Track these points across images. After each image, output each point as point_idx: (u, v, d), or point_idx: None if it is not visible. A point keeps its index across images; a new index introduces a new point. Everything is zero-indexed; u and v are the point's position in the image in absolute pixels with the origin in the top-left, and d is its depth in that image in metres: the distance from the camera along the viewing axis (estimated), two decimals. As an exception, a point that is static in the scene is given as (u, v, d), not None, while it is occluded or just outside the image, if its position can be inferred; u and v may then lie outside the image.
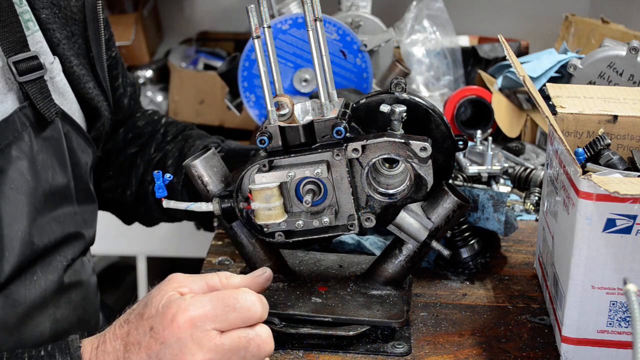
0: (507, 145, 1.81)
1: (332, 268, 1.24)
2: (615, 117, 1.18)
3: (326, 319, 1.10)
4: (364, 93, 1.66)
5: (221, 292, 0.95)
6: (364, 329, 1.09)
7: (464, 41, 2.31)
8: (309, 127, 1.07)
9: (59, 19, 1.21)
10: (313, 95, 1.61)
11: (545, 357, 1.10)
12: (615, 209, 0.95)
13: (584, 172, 0.96)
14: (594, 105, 1.20)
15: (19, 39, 1.10)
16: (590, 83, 1.66)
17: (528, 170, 1.60)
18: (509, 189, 1.62)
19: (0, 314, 1.09)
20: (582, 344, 1.04)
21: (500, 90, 1.90)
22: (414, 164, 1.08)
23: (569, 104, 1.20)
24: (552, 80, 1.73)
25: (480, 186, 1.61)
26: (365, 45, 1.68)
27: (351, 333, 1.09)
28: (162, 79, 2.77)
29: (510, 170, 1.64)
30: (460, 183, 1.60)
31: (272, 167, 1.07)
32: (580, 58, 1.69)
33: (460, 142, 1.13)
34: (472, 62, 2.19)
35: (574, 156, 0.99)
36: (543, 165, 1.72)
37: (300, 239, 1.13)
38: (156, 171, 1.09)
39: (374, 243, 1.34)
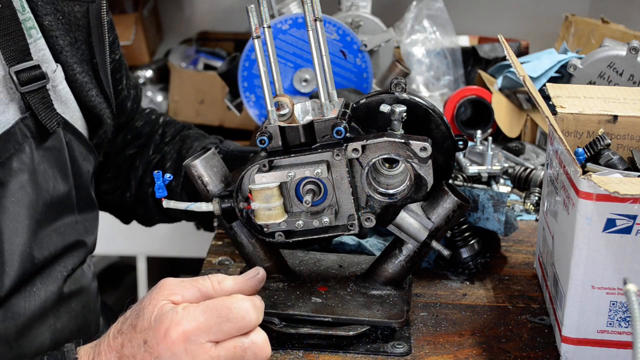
0: (507, 145, 1.81)
1: (332, 268, 1.24)
2: (615, 117, 1.18)
3: (326, 319, 1.10)
4: (364, 93, 1.66)
5: (214, 301, 0.94)
6: (364, 329, 1.09)
7: (464, 41, 2.31)
8: (309, 127, 1.07)
9: (63, 25, 1.19)
10: (313, 95, 1.61)
11: (545, 357, 1.10)
12: (615, 209, 0.95)
13: (584, 172, 0.96)
14: (594, 105, 1.20)
15: (21, 47, 1.09)
16: (590, 83, 1.66)
17: (528, 170, 1.60)
18: (509, 189, 1.62)
19: (0, 327, 1.08)
20: (582, 344, 1.04)
21: (500, 90, 1.90)
22: (414, 164, 1.08)
23: (569, 104, 1.20)
24: (552, 80, 1.73)
25: (480, 186, 1.61)
26: (365, 45, 1.68)
27: (351, 333, 1.09)
28: (162, 79, 2.77)
29: (510, 170, 1.64)
30: (460, 183, 1.60)
31: (272, 167, 1.07)
32: (580, 58, 1.69)
33: (460, 142, 1.13)
34: (472, 62, 2.19)
35: (574, 156, 0.99)
36: (543, 165, 1.72)
37: (300, 239, 1.13)
38: (156, 171, 1.09)
39: (374, 245, 1.34)
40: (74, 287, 1.21)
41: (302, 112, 1.13)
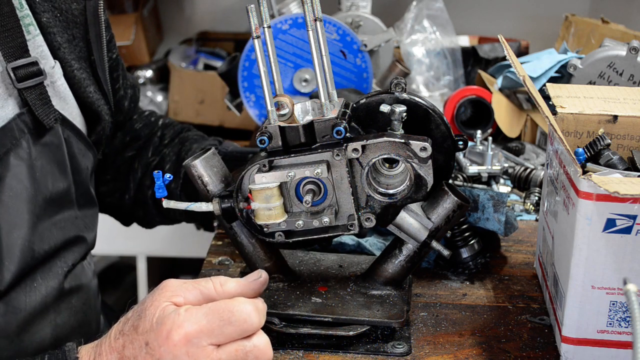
0: (507, 145, 1.81)
1: (332, 268, 1.24)
2: (615, 117, 1.18)
3: (326, 319, 1.10)
4: (364, 93, 1.66)
5: (216, 304, 0.94)
6: (364, 329, 1.09)
7: (464, 41, 2.31)
8: (309, 127, 1.07)
9: (60, 22, 1.20)
10: (313, 95, 1.61)
11: (545, 357, 1.10)
12: (615, 209, 0.95)
13: (584, 172, 0.96)
14: (594, 105, 1.20)
15: (19, 44, 1.09)
16: (590, 83, 1.66)
17: (528, 170, 1.60)
18: (509, 189, 1.62)
19: (1, 322, 1.08)
20: (582, 344, 1.04)
21: (500, 90, 1.90)
22: (414, 164, 1.08)
23: (569, 104, 1.20)
24: (552, 80, 1.73)
25: (480, 186, 1.61)
26: (365, 45, 1.68)
27: (351, 333, 1.09)
28: (162, 79, 2.77)
29: (510, 170, 1.64)
30: (460, 183, 1.60)
31: (272, 167, 1.07)
32: (580, 58, 1.69)
33: (460, 142, 1.13)
34: (472, 62, 2.19)
35: (574, 156, 0.99)
36: (543, 165, 1.72)
37: (300, 239, 1.13)
38: (156, 171, 1.09)
39: (373, 244, 1.34)
40: (75, 283, 1.21)
41: (302, 112, 1.13)
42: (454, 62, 2.13)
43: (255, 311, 0.94)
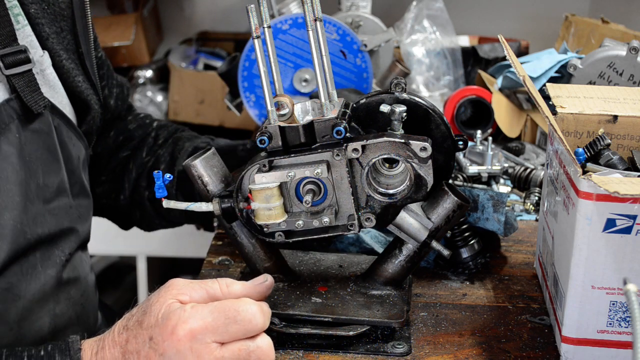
0: (507, 145, 1.81)
1: (332, 268, 1.24)
2: (615, 117, 1.18)
3: (326, 319, 1.10)
4: (364, 93, 1.66)
5: (222, 302, 0.94)
6: (364, 329, 1.09)
7: (464, 41, 2.31)
8: (309, 127, 1.07)
9: (48, 14, 1.21)
10: (313, 95, 1.61)
11: (545, 357, 1.10)
12: (615, 209, 0.95)
13: (584, 172, 0.96)
14: (594, 105, 1.20)
15: (7, 33, 1.11)
16: (590, 83, 1.66)
17: (528, 170, 1.60)
18: (509, 189, 1.62)
19: (1, 308, 1.09)
20: (582, 344, 1.04)
21: (500, 90, 1.90)
22: (414, 164, 1.08)
23: (569, 104, 1.20)
24: (552, 80, 1.73)
25: (480, 186, 1.61)
26: (365, 45, 1.68)
27: (351, 333, 1.09)
28: (162, 79, 2.77)
29: (510, 170, 1.64)
30: (460, 183, 1.60)
31: (272, 167, 1.07)
32: (580, 58, 1.69)
33: (460, 142, 1.13)
34: (472, 62, 2.19)
35: (574, 156, 0.99)
36: (543, 165, 1.72)
37: (300, 239, 1.13)
38: (156, 171, 1.09)
39: (374, 237, 1.34)
40: (73, 274, 1.22)
41: (302, 112, 1.13)
42: (454, 62, 2.13)
43: (260, 312, 0.95)
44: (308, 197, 1.07)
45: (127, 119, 1.53)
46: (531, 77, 1.70)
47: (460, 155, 1.67)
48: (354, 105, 1.12)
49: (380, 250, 1.32)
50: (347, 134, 1.06)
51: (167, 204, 1.11)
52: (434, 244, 1.12)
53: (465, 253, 1.31)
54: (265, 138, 1.06)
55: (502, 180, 1.65)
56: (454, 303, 1.23)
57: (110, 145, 1.48)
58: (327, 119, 1.06)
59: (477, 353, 1.10)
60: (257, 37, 1.05)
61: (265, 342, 0.95)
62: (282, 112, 1.08)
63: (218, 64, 2.67)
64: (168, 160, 1.44)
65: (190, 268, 2.97)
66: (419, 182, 1.09)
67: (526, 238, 1.44)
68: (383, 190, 1.11)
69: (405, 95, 1.11)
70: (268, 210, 1.08)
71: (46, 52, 1.19)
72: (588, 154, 1.16)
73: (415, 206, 1.12)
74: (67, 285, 1.21)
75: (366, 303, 1.14)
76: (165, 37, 3.04)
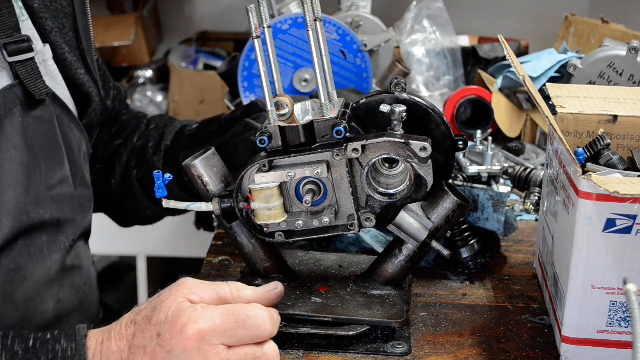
0: (507, 145, 1.81)
1: (332, 268, 1.24)
2: (615, 117, 1.18)
3: (326, 319, 1.10)
4: (364, 93, 1.66)
5: (233, 306, 0.95)
6: (364, 329, 1.09)
7: (464, 41, 2.31)
8: (309, 127, 1.07)
9: (50, 11, 1.24)
10: (313, 95, 1.61)
11: (545, 357, 1.10)
12: (615, 209, 0.95)
13: (584, 172, 0.96)
14: (594, 105, 1.20)
15: (11, 23, 1.13)
16: (590, 83, 1.66)
17: (528, 170, 1.60)
18: (509, 189, 1.62)
19: (9, 288, 1.11)
20: (582, 344, 1.04)
21: (500, 90, 1.90)
22: (414, 164, 1.08)
23: (569, 104, 1.20)
24: (552, 80, 1.73)
25: (480, 186, 1.61)
26: (365, 45, 1.68)
27: (351, 333, 1.09)
28: (162, 79, 2.77)
29: (510, 170, 1.64)
30: (460, 183, 1.60)
31: (272, 167, 1.07)
32: (580, 58, 1.69)
33: (460, 142, 1.13)
34: (472, 62, 2.19)
35: (574, 156, 0.99)
36: (543, 165, 1.72)
37: (300, 239, 1.13)
38: (156, 171, 1.09)
39: (374, 237, 1.34)
40: (77, 262, 1.24)
41: (302, 112, 1.13)
42: (454, 62, 2.13)
43: (270, 319, 0.95)
44: (308, 197, 1.07)
45: (121, 113, 1.56)
46: (531, 77, 1.70)
47: (460, 155, 1.67)
48: (354, 105, 1.12)
49: (380, 250, 1.32)
50: (347, 134, 1.06)
51: (167, 203, 1.11)
52: (434, 244, 1.12)
53: (465, 253, 1.31)
54: (265, 138, 1.06)
55: (502, 180, 1.65)
56: (454, 303, 1.23)
57: (104, 137, 1.51)
58: (327, 119, 1.06)
59: (477, 353, 1.10)
60: (257, 37, 1.05)
61: (271, 349, 0.96)
62: (282, 112, 1.08)
63: (218, 64, 2.67)
64: (157, 139, 1.45)
65: (190, 268, 2.97)
66: (419, 182, 1.09)
67: (526, 238, 1.44)
68: (383, 190, 1.11)
69: (405, 95, 1.11)
70: (268, 210, 1.08)
71: (48, 45, 1.21)
72: (588, 154, 1.16)
73: (415, 206, 1.12)
74: (71, 271, 1.22)
75: (366, 303, 1.14)
76: (165, 37, 3.04)
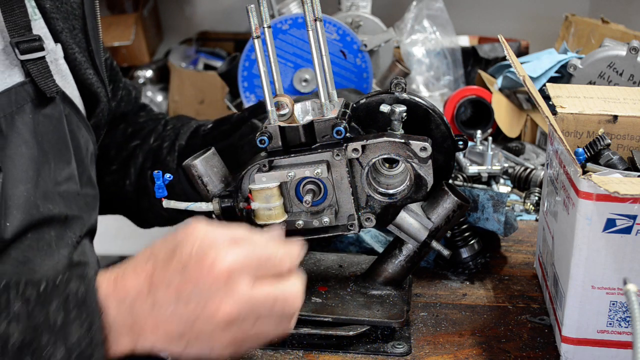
0: (507, 145, 1.81)
1: (332, 268, 1.24)
2: (615, 117, 1.18)
3: (326, 319, 1.10)
4: (364, 93, 1.66)
5: (254, 244, 0.96)
6: (364, 329, 1.09)
7: (464, 41, 2.31)
8: (309, 127, 1.07)
9: (61, 12, 1.26)
10: (313, 96, 1.61)
11: (545, 357, 1.10)
12: (615, 209, 0.95)
13: (584, 172, 0.96)
14: (594, 105, 1.20)
15: (23, 23, 1.15)
16: (590, 83, 1.66)
17: (528, 170, 1.60)
18: (509, 189, 1.62)
19: (18, 280, 1.10)
20: (582, 344, 1.04)
21: (500, 90, 1.90)
22: (414, 164, 1.08)
23: (569, 104, 1.20)
24: (552, 80, 1.73)
25: (480, 186, 1.61)
26: (365, 45, 1.68)
27: (351, 333, 1.09)
28: (162, 79, 2.77)
29: (510, 170, 1.64)
30: (460, 183, 1.60)
31: (272, 167, 1.07)
32: (580, 58, 1.69)
33: (460, 142, 1.13)
34: (472, 62, 2.19)
35: (574, 156, 0.99)
36: (543, 165, 1.72)
37: (300, 239, 1.12)
38: (156, 171, 1.09)
39: (374, 237, 1.34)
40: (83, 258, 1.25)
41: (302, 112, 1.13)
42: (454, 62, 2.13)
43: (288, 256, 0.96)
44: (308, 197, 1.07)
45: (139, 114, 1.57)
46: (531, 77, 1.70)
47: (460, 155, 1.67)
48: (354, 105, 1.12)
49: (380, 250, 1.32)
50: (347, 134, 1.06)
51: (167, 203, 1.11)
52: (434, 244, 1.12)
53: (465, 253, 1.31)
54: (265, 138, 1.06)
55: (502, 180, 1.65)
56: (454, 303, 1.23)
57: (118, 138, 1.51)
58: (327, 119, 1.06)
59: (477, 353, 1.10)
60: (257, 37, 1.05)
61: (294, 287, 0.95)
62: (282, 112, 1.08)
63: (218, 64, 2.67)
64: (173, 138, 1.46)
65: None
66: (419, 182, 1.09)
67: (526, 238, 1.44)
68: (383, 190, 1.11)
69: (405, 95, 1.11)
70: (268, 210, 1.08)
71: (59, 45, 1.23)
72: (588, 154, 1.16)
73: (415, 206, 1.12)
74: (78, 267, 1.23)
75: (366, 303, 1.14)
76: (165, 37, 3.04)
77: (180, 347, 0.95)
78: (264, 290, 0.93)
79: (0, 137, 1.10)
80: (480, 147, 1.68)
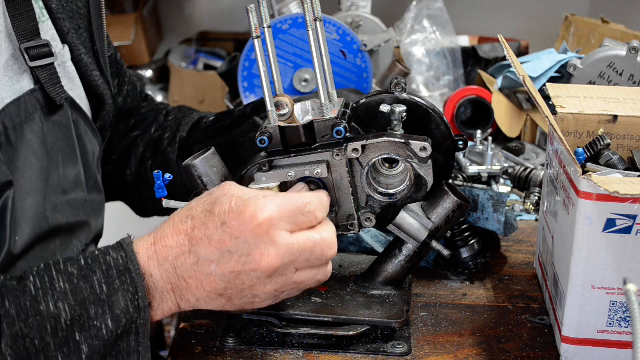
0: (507, 145, 1.81)
1: (332, 268, 1.23)
2: (615, 117, 1.18)
3: (326, 319, 1.10)
4: (364, 93, 1.66)
5: (289, 195, 1.00)
6: (364, 329, 1.09)
7: (464, 41, 2.31)
8: (309, 127, 1.07)
9: (67, 11, 1.26)
10: (313, 96, 1.61)
11: (545, 357, 1.10)
12: (615, 209, 0.95)
13: (584, 172, 0.96)
14: (594, 105, 1.20)
15: (32, 27, 1.15)
16: (590, 83, 1.66)
17: (528, 170, 1.60)
18: (509, 189, 1.62)
19: None
20: (582, 344, 1.04)
21: (500, 90, 1.90)
22: (414, 164, 1.08)
23: (569, 104, 1.20)
24: (552, 80, 1.73)
25: (480, 186, 1.61)
26: (365, 45, 1.68)
27: (351, 333, 1.09)
28: (162, 79, 2.77)
29: (510, 170, 1.64)
30: (460, 183, 1.60)
31: (272, 167, 1.07)
32: (580, 58, 1.69)
33: (460, 142, 1.13)
34: (472, 62, 2.19)
35: (574, 156, 0.99)
36: (543, 165, 1.72)
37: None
38: (156, 171, 1.09)
39: (374, 236, 1.34)
40: None
41: (302, 112, 1.13)
42: (454, 62, 2.13)
43: (321, 205, 1.01)
44: (308, 197, 1.07)
45: (141, 105, 1.57)
46: (531, 77, 1.70)
47: (460, 155, 1.67)
48: (354, 105, 1.12)
49: (380, 249, 1.32)
50: (347, 134, 1.06)
51: (166, 203, 1.11)
52: (434, 244, 1.12)
53: (465, 253, 1.31)
54: (265, 138, 1.06)
55: (502, 180, 1.65)
56: (454, 303, 1.23)
57: (121, 128, 1.52)
58: (327, 119, 1.06)
59: (477, 353, 1.10)
60: (257, 37, 1.05)
61: (329, 235, 1.00)
62: (282, 112, 1.08)
63: (218, 64, 2.67)
64: (174, 129, 1.46)
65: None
66: (419, 182, 1.09)
67: (526, 238, 1.44)
68: (383, 190, 1.11)
69: (405, 95, 1.11)
70: (268, 210, 1.08)
71: (66, 46, 1.23)
72: (588, 154, 1.16)
73: (415, 206, 1.12)
74: None
75: (366, 303, 1.14)
76: (165, 37, 3.04)
77: (223, 301, 0.99)
78: (303, 236, 0.97)
79: (10, 149, 1.09)
80: (480, 147, 1.68)
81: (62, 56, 1.21)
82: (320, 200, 1.01)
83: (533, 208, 1.54)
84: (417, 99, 1.11)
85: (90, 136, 1.27)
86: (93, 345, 0.93)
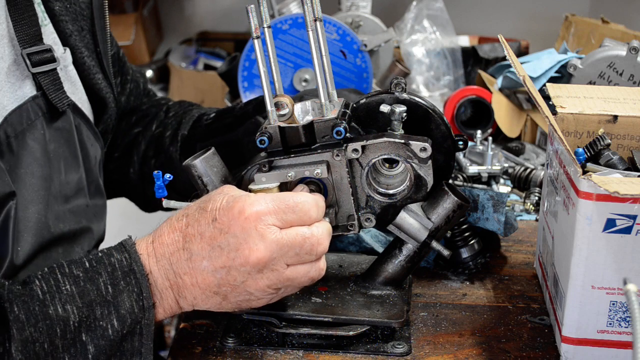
0: (507, 145, 1.81)
1: (332, 268, 1.24)
2: (615, 117, 1.18)
3: (326, 319, 1.10)
4: (364, 93, 1.66)
5: (282, 194, 1.01)
6: (364, 329, 1.09)
7: (464, 41, 2.31)
8: (309, 127, 1.07)
9: (70, 13, 1.25)
10: (313, 91, 1.61)
11: (545, 357, 1.10)
12: (615, 209, 0.95)
13: (584, 172, 0.96)
14: (594, 105, 1.20)
15: (34, 32, 1.14)
16: (590, 83, 1.66)
17: (528, 170, 1.60)
18: (509, 189, 1.62)
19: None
20: (582, 344, 1.04)
21: (500, 90, 1.90)
22: (414, 164, 1.08)
23: (569, 104, 1.20)
24: (552, 80, 1.73)
25: (480, 186, 1.61)
26: (365, 45, 1.68)
27: (351, 333, 1.09)
28: (162, 79, 2.77)
29: (510, 170, 1.64)
30: (460, 183, 1.60)
31: (272, 167, 1.07)
32: (580, 58, 1.69)
33: (460, 142, 1.13)
34: (472, 62, 2.19)
35: (574, 156, 0.99)
36: (543, 165, 1.72)
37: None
38: (156, 171, 1.09)
39: (374, 236, 1.34)
40: None
41: (302, 112, 1.13)
42: (454, 62, 2.13)
43: (315, 205, 1.01)
44: (308, 197, 1.07)
45: (142, 102, 1.57)
46: (531, 77, 1.70)
47: (460, 155, 1.67)
48: (354, 105, 1.12)
49: (380, 249, 1.32)
50: (347, 134, 1.06)
51: (167, 204, 1.11)
52: (434, 244, 1.12)
53: (465, 253, 1.31)
54: (265, 138, 1.06)
55: (502, 180, 1.65)
56: (454, 303, 1.23)
57: (123, 126, 1.51)
58: (327, 119, 1.06)
59: (477, 353, 1.10)
60: (257, 37, 1.05)
61: (319, 231, 1.00)
62: (282, 112, 1.08)
63: (218, 64, 2.67)
64: (175, 127, 1.46)
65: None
66: (419, 182, 1.09)
67: (526, 238, 1.44)
68: (383, 190, 1.11)
69: (405, 95, 1.11)
70: (268, 210, 1.08)
71: (68, 49, 1.23)
72: (588, 154, 1.16)
73: (415, 206, 1.12)
74: None
75: (366, 303, 1.14)
76: (165, 37, 3.04)
77: (219, 299, 1.00)
78: (293, 231, 0.99)
79: (12, 157, 1.09)
80: (480, 147, 1.68)
81: (64, 60, 1.21)
82: (314, 200, 1.01)
83: (533, 208, 1.54)
84: (417, 99, 1.11)
85: (93, 140, 1.27)
86: (99, 345, 0.94)
